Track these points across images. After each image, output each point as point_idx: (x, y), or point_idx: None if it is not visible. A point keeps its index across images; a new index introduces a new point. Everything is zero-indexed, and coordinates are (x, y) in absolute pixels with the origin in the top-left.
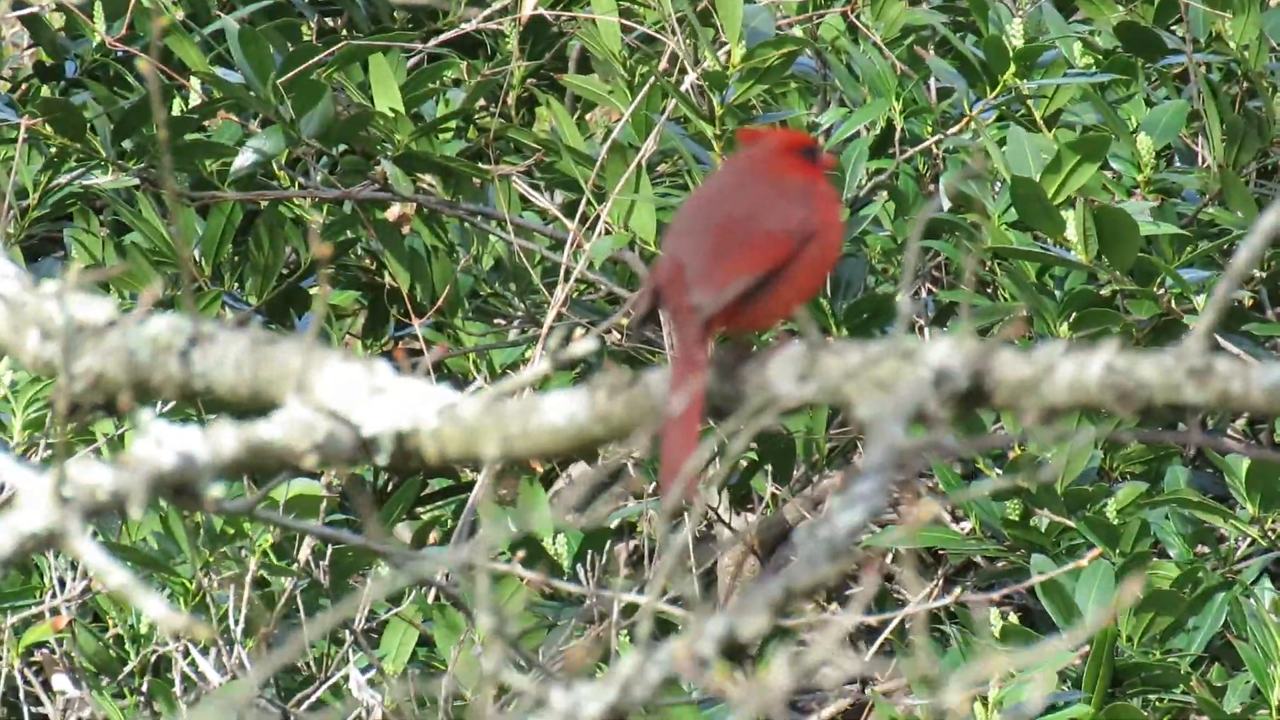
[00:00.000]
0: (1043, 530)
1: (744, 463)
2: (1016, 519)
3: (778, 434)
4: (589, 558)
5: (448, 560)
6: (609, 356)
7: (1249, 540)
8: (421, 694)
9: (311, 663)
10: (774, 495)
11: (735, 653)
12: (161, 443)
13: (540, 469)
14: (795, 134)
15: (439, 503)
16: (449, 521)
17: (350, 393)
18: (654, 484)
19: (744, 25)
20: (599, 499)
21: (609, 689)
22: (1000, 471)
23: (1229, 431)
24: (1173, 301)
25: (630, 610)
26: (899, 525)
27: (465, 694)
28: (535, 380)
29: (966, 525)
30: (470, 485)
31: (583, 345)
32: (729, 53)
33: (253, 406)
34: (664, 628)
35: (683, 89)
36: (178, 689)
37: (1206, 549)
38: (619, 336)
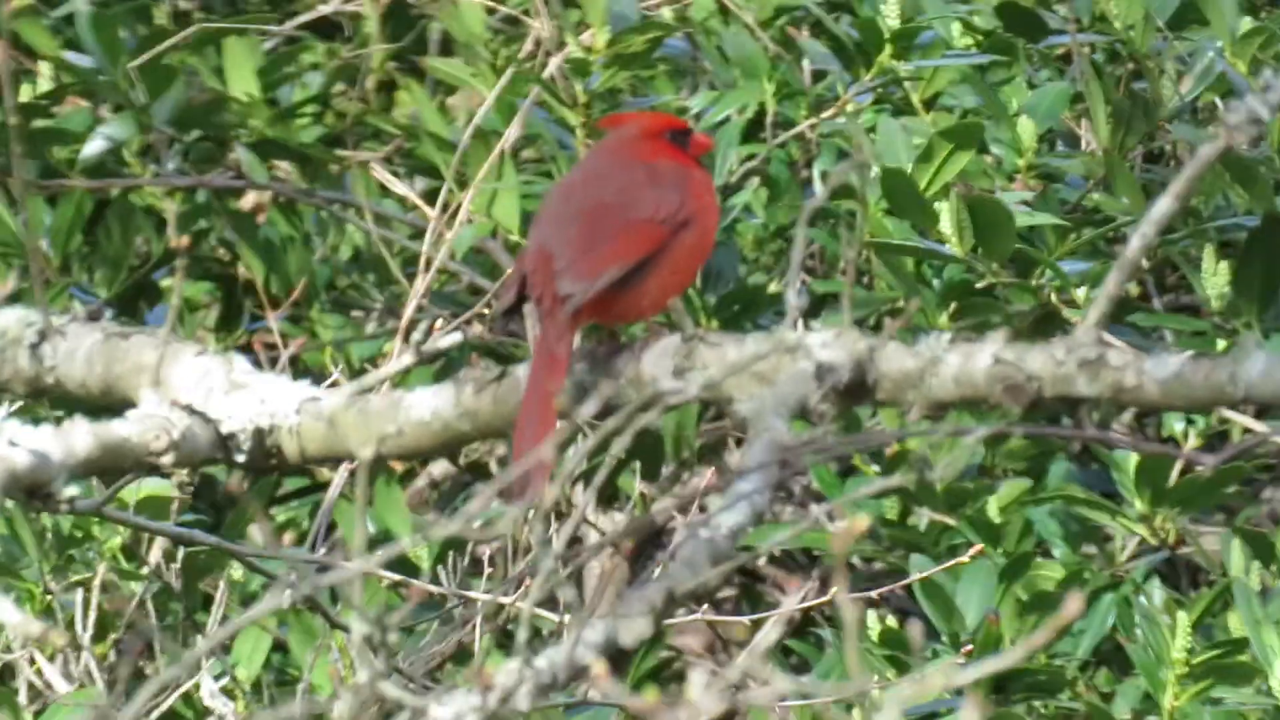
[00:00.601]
0: (922, 529)
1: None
2: (894, 518)
3: (645, 429)
4: (450, 559)
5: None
6: (474, 351)
7: (1138, 539)
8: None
9: (162, 669)
10: (642, 495)
11: (615, 659)
12: (15, 442)
13: (399, 468)
14: (665, 116)
15: (293, 503)
16: (304, 523)
17: (207, 388)
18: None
19: (608, 9)
20: (461, 499)
21: (488, 698)
22: (879, 469)
23: (1114, 427)
24: (1053, 295)
25: (494, 613)
26: (776, 523)
27: (322, 704)
28: (397, 374)
29: (841, 524)
30: (326, 485)
31: (446, 338)
32: (593, 38)
33: (105, 403)
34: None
35: (548, 73)
36: (23, 698)
37: (1093, 548)
38: (483, 329)
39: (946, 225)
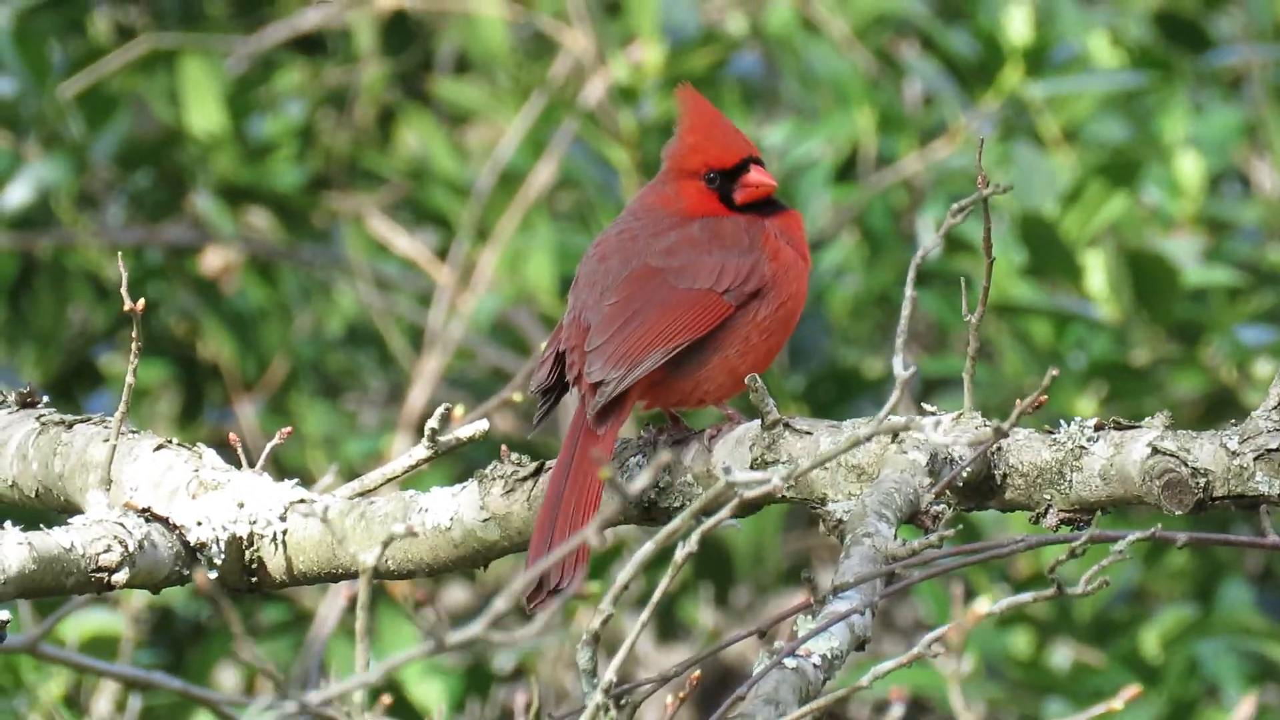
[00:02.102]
0: (1060, 668)
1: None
2: (1027, 654)
3: (712, 542)
4: (477, 709)
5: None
6: (503, 444)
7: None
8: None
9: None
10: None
11: None
12: None
13: (405, 593)
14: (714, 146)
15: (273, 638)
16: (286, 659)
17: (171, 489)
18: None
19: (661, 19)
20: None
21: None
22: (1009, 588)
23: None
24: (1227, 371)
25: None
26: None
27: None
28: (408, 471)
29: (962, 663)
30: (311, 615)
31: (469, 426)
32: (643, 55)
33: (42, 508)
34: None
35: (588, 99)
36: None
37: (1276, 692)
38: (514, 418)
39: (1097, 283)
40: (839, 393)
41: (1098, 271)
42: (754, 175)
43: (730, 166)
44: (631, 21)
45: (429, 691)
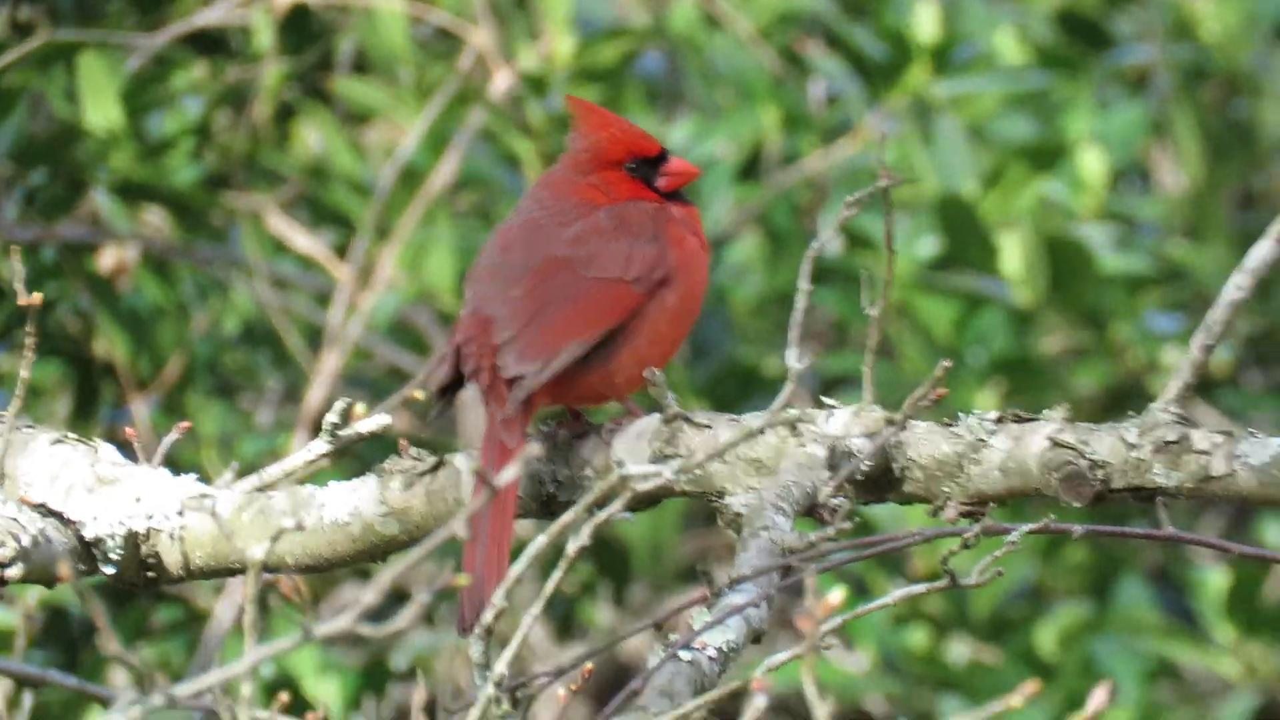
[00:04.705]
0: (957, 664)
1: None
2: (924, 650)
3: (609, 541)
4: (373, 707)
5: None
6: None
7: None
8: None
9: None
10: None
11: None
12: None
13: (297, 591)
14: (628, 135)
15: (167, 639)
16: (180, 661)
17: (67, 484)
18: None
19: (573, 11)
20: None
21: None
22: (903, 583)
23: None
24: (1134, 356)
25: None
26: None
27: None
28: (308, 466)
29: (859, 658)
30: (206, 615)
31: (371, 420)
32: (552, 48)
33: None
34: None
35: (491, 95)
36: None
37: (1170, 688)
38: (412, 416)
39: (1012, 266)
40: (739, 390)
41: (1014, 254)
42: (678, 163)
43: (651, 155)
44: (542, 14)
45: (326, 689)
